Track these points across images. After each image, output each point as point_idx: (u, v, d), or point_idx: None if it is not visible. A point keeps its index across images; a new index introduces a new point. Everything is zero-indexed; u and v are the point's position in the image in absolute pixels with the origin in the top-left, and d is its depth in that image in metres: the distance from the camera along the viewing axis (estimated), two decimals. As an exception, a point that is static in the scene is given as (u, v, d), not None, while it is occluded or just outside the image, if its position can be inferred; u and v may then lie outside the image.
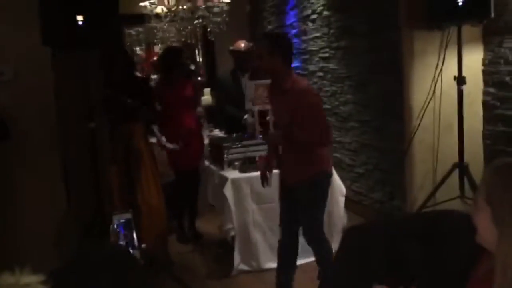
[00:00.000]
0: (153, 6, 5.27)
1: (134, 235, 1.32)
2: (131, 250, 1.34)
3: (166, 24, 5.32)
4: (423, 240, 1.49)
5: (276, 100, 2.97)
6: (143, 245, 1.24)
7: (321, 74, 5.43)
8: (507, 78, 3.59)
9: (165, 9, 5.15)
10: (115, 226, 1.18)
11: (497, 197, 1.16)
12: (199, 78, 7.23)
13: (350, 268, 1.57)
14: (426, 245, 1.48)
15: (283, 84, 2.81)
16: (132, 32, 7.57)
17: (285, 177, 2.98)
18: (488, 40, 3.74)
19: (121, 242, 1.29)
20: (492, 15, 3.27)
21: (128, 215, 1.21)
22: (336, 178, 3.60)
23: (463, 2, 3.23)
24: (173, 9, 5.13)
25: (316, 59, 5.50)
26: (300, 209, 2.90)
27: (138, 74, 5.82)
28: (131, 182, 3.51)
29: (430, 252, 1.46)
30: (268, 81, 3.10)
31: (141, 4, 5.43)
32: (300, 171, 2.87)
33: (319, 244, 2.94)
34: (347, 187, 4.78)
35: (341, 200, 3.61)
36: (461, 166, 3.57)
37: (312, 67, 5.63)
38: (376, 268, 1.52)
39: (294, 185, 2.88)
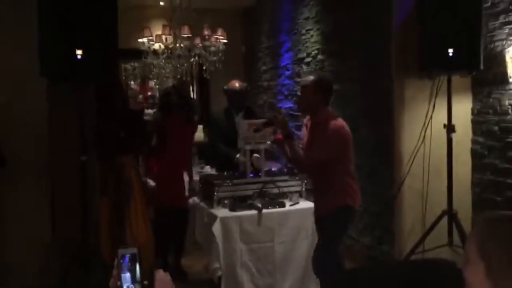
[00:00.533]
0: (151, 43, 5.37)
1: (138, 269, 1.29)
2: (132, 286, 1.31)
3: (163, 61, 5.39)
4: (410, 288, 1.48)
5: (313, 133, 3.19)
6: (145, 282, 1.22)
7: (313, 116, 5.49)
8: (496, 128, 3.66)
9: (162, 46, 5.24)
10: (120, 259, 1.17)
11: (492, 252, 1.15)
12: (195, 116, 7.28)
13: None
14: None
15: (319, 120, 3.11)
16: (128, 66, 7.67)
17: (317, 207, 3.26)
18: (477, 91, 3.84)
19: (126, 275, 1.26)
20: (482, 67, 3.37)
21: (134, 250, 1.20)
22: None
23: (453, 53, 3.33)
24: (171, 46, 5.24)
25: (309, 101, 5.58)
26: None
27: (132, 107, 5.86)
28: (120, 215, 3.47)
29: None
30: (261, 121, 3.42)
31: (140, 40, 5.53)
32: (322, 203, 3.17)
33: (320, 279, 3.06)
34: (336, 230, 4.77)
35: (330, 243, 3.59)
36: (450, 214, 3.58)
37: (304, 109, 5.70)
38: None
39: (318, 217, 3.20)
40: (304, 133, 3.33)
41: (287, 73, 6.17)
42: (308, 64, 5.59)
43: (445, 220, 3.62)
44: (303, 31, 5.68)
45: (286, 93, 6.26)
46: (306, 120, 3.34)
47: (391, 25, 4.04)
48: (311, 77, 3.18)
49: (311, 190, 3.39)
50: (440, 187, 3.75)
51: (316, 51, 5.40)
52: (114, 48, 2.88)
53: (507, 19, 3.52)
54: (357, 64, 4.62)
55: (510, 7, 3.49)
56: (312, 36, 5.49)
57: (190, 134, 4.43)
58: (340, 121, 3.13)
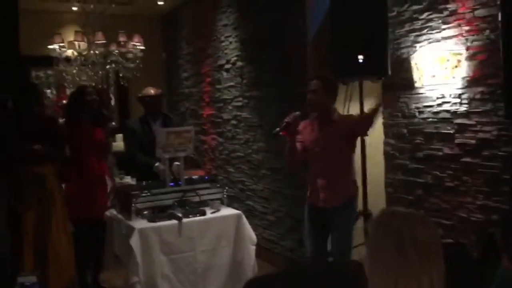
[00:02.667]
0: (62, 49, 5.13)
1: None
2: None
3: (77, 68, 5.17)
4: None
5: (323, 131, 3.36)
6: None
7: (234, 122, 5.51)
8: (405, 130, 3.85)
9: (75, 53, 5.03)
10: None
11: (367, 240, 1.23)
12: (113, 123, 7.05)
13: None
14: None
15: (331, 117, 3.34)
16: (41, 74, 7.29)
17: (317, 201, 3.37)
18: (387, 95, 4.02)
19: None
20: (389, 72, 3.53)
21: (34, 278, 1.11)
22: (247, 226, 3.60)
23: (363, 60, 3.46)
24: (84, 53, 5.03)
25: (230, 107, 5.60)
26: (333, 232, 3.32)
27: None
28: (45, 228, 3.32)
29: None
30: (181, 128, 3.61)
31: (50, 46, 5.26)
32: (337, 195, 3.31)
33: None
34: (259, 235, 4.80)
35: (252, 249, 3.59)
36: (365, 214, 3.71)
37: (226, 115, 5.70)
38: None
39: (328, 209, 3.30)
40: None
41: (208, 79, 6.15)
42: (228, 70, 5.60)
43: (361, 220, 3.75)
44: (222, 38, 5.69)
45: (207, 100, 6.23)
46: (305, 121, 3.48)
47: (305, 32, 4.15)
48: (320, 80, 3.35)
49: (316, 184, 3.43)
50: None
51: (235, 58, 5.43)
52: (16, 54, 2.71)
53: (411, 27, 3.72)
54: (274, 70, 4.70)
55: (414, 15, 3.70)
56: (231, 42, 5.51)
57: (102, 139, 4.21)
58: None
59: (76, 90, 4.28)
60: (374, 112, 3.62)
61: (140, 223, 3.33)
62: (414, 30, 3.70)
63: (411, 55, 3.73)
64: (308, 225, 3.46)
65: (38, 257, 3.44)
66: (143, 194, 3.48)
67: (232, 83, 5.52)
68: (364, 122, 3.49)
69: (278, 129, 3.26)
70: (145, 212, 3.44)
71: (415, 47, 3.69)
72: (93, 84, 5.50)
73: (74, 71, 5.31)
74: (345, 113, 3.93)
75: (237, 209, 3.86)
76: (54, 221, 3.39)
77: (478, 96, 3.23)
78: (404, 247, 1.17)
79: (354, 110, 3.83)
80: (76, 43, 5.13)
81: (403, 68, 3.78)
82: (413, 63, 3.71)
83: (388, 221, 1.23)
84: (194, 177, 4.02)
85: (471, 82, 3.27)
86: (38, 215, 3.40)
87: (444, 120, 3.49)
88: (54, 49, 5.20)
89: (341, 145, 3.33)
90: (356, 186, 3.47)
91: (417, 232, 1.19)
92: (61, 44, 5.19)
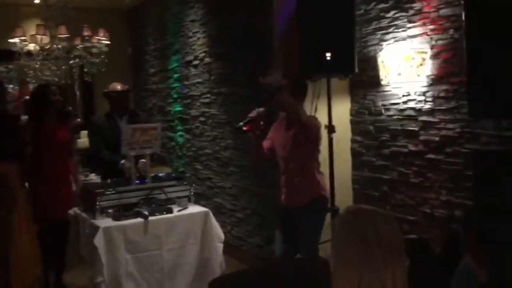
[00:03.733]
0: (24, 43, 4.96)
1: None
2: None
3: (39, 63, 5.01)
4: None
5: (289, 131, 3.31)
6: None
7: (203, 119, 5.46)
8: (371, 128, 3.90)
9: (37, 47, 4.87)
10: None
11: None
12: (78, 120, 6.89)
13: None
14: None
15: (300, 118, 3.25)
16: (2, 69, 7.05)
17: (285, 200, 3.36)
18: (354, 93, 4.06)
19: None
20: (356, 70, 3.56)
21: None
22: (214, 224, 3.57)
23: (331, 57, 3.47)
24: (47, 47, 4.88)
25: (198, 104, 5.54)
26: (300, 231, 3.28)
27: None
28: (7, 228, 3.20)
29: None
30: (147, 125, 3.64)
31: (11, 40, 5.09)
32: (301, 195, 3.29)
33: None
34: (227, 232, 4.78)
35: (219, 246, 3.56)
36: (332, 210, 3.73)
37: (194, 112, 5.65)
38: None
39: (296, 209, 3.27)
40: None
41: (176, 75, 6.08)
42: (196, 66, 5.55)
43: (328, 216, 3.77)
44: (190, 34, 5.63)
45: (175, 96, 6.16)
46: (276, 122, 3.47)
47: (273, 29, 4.14)
48: (288, 79, 3.32)
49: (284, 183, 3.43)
50: (323, 185, 3.91)
51: (203, 54, 5.37)
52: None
53: (378, 26, 3.76)
54: (242, 67, 4.67)
55: (381, 14, 3.74)
56: (198, 38, 5.46)
57: (67, 137, 4.10)
58: (314, 117, 3.46)
59: (39, 89, 4.14)
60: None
61: (104, 222, 3.26)
62: (380, 28, 3.74)
63: (377, 53, 3.77)
64: (279, 223, 3.49)
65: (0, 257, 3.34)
66: (108, 192, 3.40)
67: (200, 80, 5.47)
68: None
69: (241, 123, 3.24)
70: (110, 211, 3.37)
71: (382, 45, 3.74)
72: (56, 79, 5.36)
73: (37, 65, 5.14)
74: (313, 111, 3.94)
75: (205, 206, 3.82)
76: (16, 221, 3.29)
77: (442, 94, 3.29)
78: (368, 244, 1.18)
79: (324, 108, 3.84)
80: (38, 37, 4.97)
81: (370, 66, 3.82)
82: (379, 61, 3.75)
83: (352, 219, 1.24)
84: (160, 174, 3.96)
85: (435, 80, 3.33)
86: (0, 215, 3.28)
87: (409, 117, 3.54)
88: (15, 43, 5.02)
89: (305, 147, 3.32)
90: (322, 186, 3.42)
91: (380, 229, 1.20)
92: (23, 38, 5.02)
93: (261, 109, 3.29)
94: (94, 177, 4.77)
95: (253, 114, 3.26)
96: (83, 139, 5.54)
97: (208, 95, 5.30)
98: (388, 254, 1.19)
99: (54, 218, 3.84)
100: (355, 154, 4.09)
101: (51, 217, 3.84)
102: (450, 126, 3.24)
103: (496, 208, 1.35)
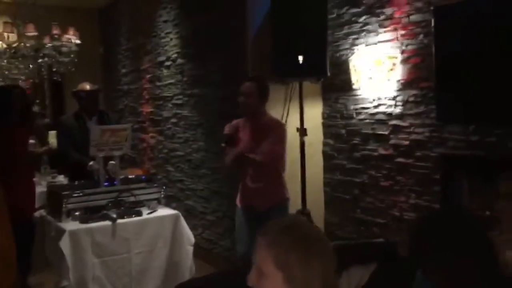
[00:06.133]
0: (-10, 40, 4.83)
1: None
2: None
3: (5, 61, 4.88)
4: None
5: (253, 135, 3.34)
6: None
7: (174, 120, 5.41)
8: (343, 131, 3.92)
9: (4, 45, 4.75)
10: None
11: (289, 261, 1.22)
12: (46, 120, 6.74)
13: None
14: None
15: (260, 121, 3.33)
16: (-32, 66, 6.84)
17: (253, 204, 3.38)
18: (326, 96, 4.08)
19: None
20: (328, 74, 3.58)
21: None
22: (184, 227, 3.53)
23: (303, 61, 3.48)
24: (15, 45, 4.76)
25: (170, 105, 5.49)
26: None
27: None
28: None
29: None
30: (117, 126, 3.68)
31: (-24, 37, 4.95)
32: (264, 199, 3.32)
33: None
34: (198, 235, 4.74)
35: (190, 249, 3.53)
36: (304, 213, 3.74)
37: (166, 113, 5.59)
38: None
39: (264, 211, 3.25)
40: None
41: (148, 76, 6.00)
42: (168, 67, 5.49)
43: (299, 219, 3.78)
44: (163, 34, 5.57)
45: (147, 97, 6.08)
46: (236, 123, 3.44)
47: (246, 31, 4.13)
48: (253, 83, 3.33)
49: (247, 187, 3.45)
50: (296, 188, 3.89)
51: (176, 55, 5.32)
52: None
53: (350, 30, 3.79)
54: (216, 68, 4.64)
55: (353, 18, 3.77)
56: (171, 39, 5.40)
57: (26, 138, 3.98)
58: (277, 119, 3.52)
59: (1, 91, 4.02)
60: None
61: (71, 225, 3.19)
62: (352, 33, 3.77)
63: (349, 57, 3.80)
64: (238, 227, 3.49)
65: None
66: (75, 194, 3.33)
67: (172, 81, 5.41)
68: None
69: (223, 145, 3.34)
70: (76, 213, 3.30)
71: (353, 49, 3.77)
72: (24, 78, 5.22)
73: (3, 63, 5.01)
74: (285, 114, 3.94)
75: (176, 209, 3.78)
76: None
77: (411, 99, 3.33)
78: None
79: (296, 111, 3.84)
80: (5, 34, 4.84)
81: (342, 70, 3.85)
82: (351, 65, 3.78)
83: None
84: (130, 176, 3.90)
85: (405, 85, 3.37)
86: None
87: (380, 121, 3.57)
88: (-19, 40, 4.89)
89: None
90: (285, 190, 3.47)
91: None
92: (-11, 35, 4.89)
93: (233, 122, 3.41)
94: (61, 179, 4.66)
95: (228, 130, 3.37)
96: (52, 140, 5.40)
97: (181, 96, 5.25)
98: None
99: (16, 220, 3.72)
100: (326, 157, 4.11)
101: (14, 219, 3.72)
102: (419, 130, 3.28)
103: (446, 217, 1.33)
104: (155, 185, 3.70)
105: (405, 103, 3.37)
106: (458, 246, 1.22)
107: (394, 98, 3.45)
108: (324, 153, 4.13)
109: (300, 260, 1.21)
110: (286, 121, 3.94)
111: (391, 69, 3.44)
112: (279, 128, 3.36)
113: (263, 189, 3.37)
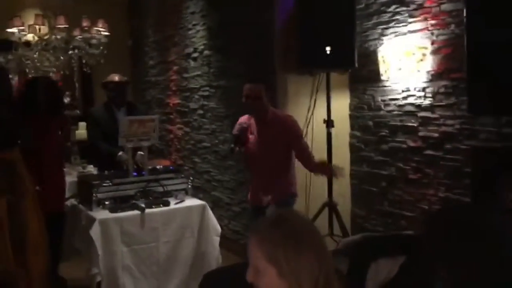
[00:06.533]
0: (22, 33, 4.92)
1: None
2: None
3: (37, 53, 4.97)
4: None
5: (260, 133, 3.42)
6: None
7: (201, 112, 5.44)
8: (370, 123, 3.88)
9: (36, 37, 4.84)
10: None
11: (280, 255, 1.21)
12: (77, 111, 6.87)
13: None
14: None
15: (266, 119, 3.40)
16: (1, 59, 7.01)
17: (257, 200, 3.47)
18: (354, 87, 4.04)
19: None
20: (356, 65, 3.54)
21: None
22: (211, 217, 3.56)
23: (330, 51, 3.45)
24: (46, 37, 4.85)
25: (197, 96, 5.52)
26: None
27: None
28: (17, 214, 3.15)
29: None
30: (144, 117, 3.71)
31: (9, 30, 5.05)
32: (273, 194, 3.40)
33: None
34: (225, 226, 4.77)
35: (216, 240, 3.56)
36: (330, 205, 3.73)
37: (192, 105, 5.62)
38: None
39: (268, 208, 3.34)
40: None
41: (175, 68, 6.04)
42: (195, 59, 5.52)
43: (326, 211, 3.77)
44: (190, 26, 5.59)
45: (174, 88, 6.13)
46: (246, 123, 3.49)
47: (273, 22, 4.11)
48: (261, 85, 3.39)
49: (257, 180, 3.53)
50: (322, 179, 3.89)
51: (203, 46, 5.34)
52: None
53: (379, 20, 3.73)
54: (242, 60, 4.64)
55: (382, 8, 3.71)
56: (198, 31, 5.42)
57: (55, 128, 4.05)
58: (282, 111, 3.64)
59: (32, 83, 4.10)
60: (319, 169, 3.43)
61: (101, 214, 3.25)
62: (381, 23, 3.72)
63: (378, 47, 3.75)
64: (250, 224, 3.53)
65: (15, 245, 3.28)
66: (105, 184, 3.39)
67: (199, 72, 5.44)
68: (304, 157, 3.40)
69: (232, 145, 3.37)
70: (106, 203, 3.36)
71: (382, 40, 3.71)
72: (55, 70, 5.32)
73: (35, 56, 5.11)
74: (312, 105, 3.92)
75: (202, 200, 3.81)
76: (29, 208, 3.22)
77: (442, 90, 3.27)
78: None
79: (323, 103, 3.81)
80: (37, 27, 4.94)
81: (370, 61, 3.80)
82: (379, 56, 3.73)
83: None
84: (158, 167, 3.95)
85: (435, 76, 3.31)
86: (11, 202, 3.20)
87: (408, 113, 3.52)
88: (13, 33, 4.99)
89: (276, 147, 3.38)
90: (292, 186, 3.51)
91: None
92: (21, 28, 4.98)
93: (244, 125, 3.45)
94: (91, 169, 4.75)
95: (237, 131, 3.44)
96: (82, 131, 5.51)
97: (207, 88, 5.28)
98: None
99: (47, 210, 3.82)
100: (353, 149, 4.08)
101: (44, 209, 3.81)
102: (449, 122, 3.22)
103: (463, 217, 1.29)
104: (183, 175, 3.74)
105: (435, 94, 3.31)
106: (470, 239, 1.19)
107: (423, 90, 3.39)
108: (351, 145, 4.10)
109: (291, 253, 1.21)
110: (313, 112, 3.93)
111: (421, 60, 3.38)
112: (295, 125, 3.45)
113: (270, 185, 3.42)
